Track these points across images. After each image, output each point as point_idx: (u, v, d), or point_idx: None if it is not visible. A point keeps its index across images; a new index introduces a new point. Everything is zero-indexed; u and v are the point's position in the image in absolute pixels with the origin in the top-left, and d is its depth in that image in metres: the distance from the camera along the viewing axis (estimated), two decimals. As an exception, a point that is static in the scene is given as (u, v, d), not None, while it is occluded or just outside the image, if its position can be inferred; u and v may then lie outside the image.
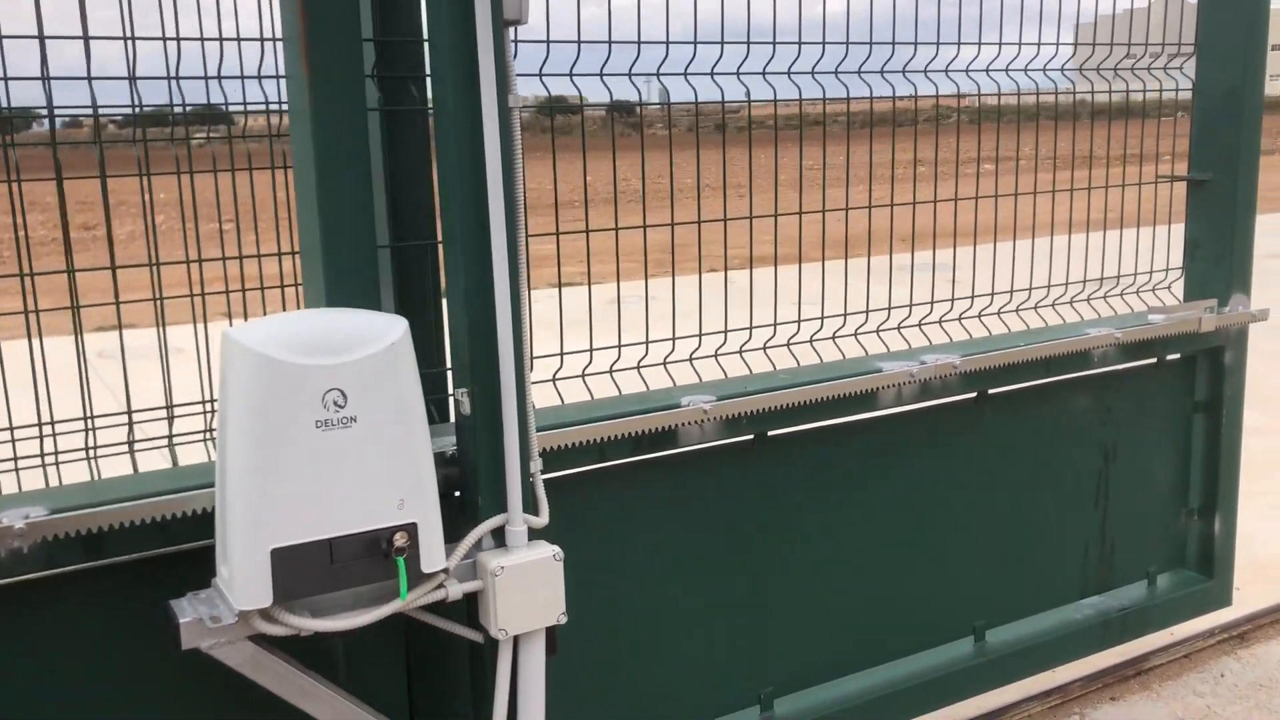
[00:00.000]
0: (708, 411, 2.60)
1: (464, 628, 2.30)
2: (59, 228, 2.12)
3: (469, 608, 2.27)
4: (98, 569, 2.11)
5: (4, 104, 2.04)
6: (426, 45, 2.25)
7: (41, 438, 2.22)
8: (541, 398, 2.48)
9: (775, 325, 2.94)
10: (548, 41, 2.44)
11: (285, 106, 2.25)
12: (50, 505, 2.03)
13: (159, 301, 2.26)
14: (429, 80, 2.29)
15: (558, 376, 2.61)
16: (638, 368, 2.72)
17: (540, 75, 2.41)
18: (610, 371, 2.69)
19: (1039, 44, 3.21)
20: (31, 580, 2.06)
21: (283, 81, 2.20)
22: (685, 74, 2.67)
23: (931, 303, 3.20)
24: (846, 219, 3.04)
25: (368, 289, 2.10)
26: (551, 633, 2.29)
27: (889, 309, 3.12)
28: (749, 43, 2.73)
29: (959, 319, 3.25)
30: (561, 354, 2.62)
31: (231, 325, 2.01)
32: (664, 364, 2.77)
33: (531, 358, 2.33)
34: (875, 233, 3.09)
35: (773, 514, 2.92)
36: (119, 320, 2.26)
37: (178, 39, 2.14)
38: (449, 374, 2.39)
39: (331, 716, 2.17)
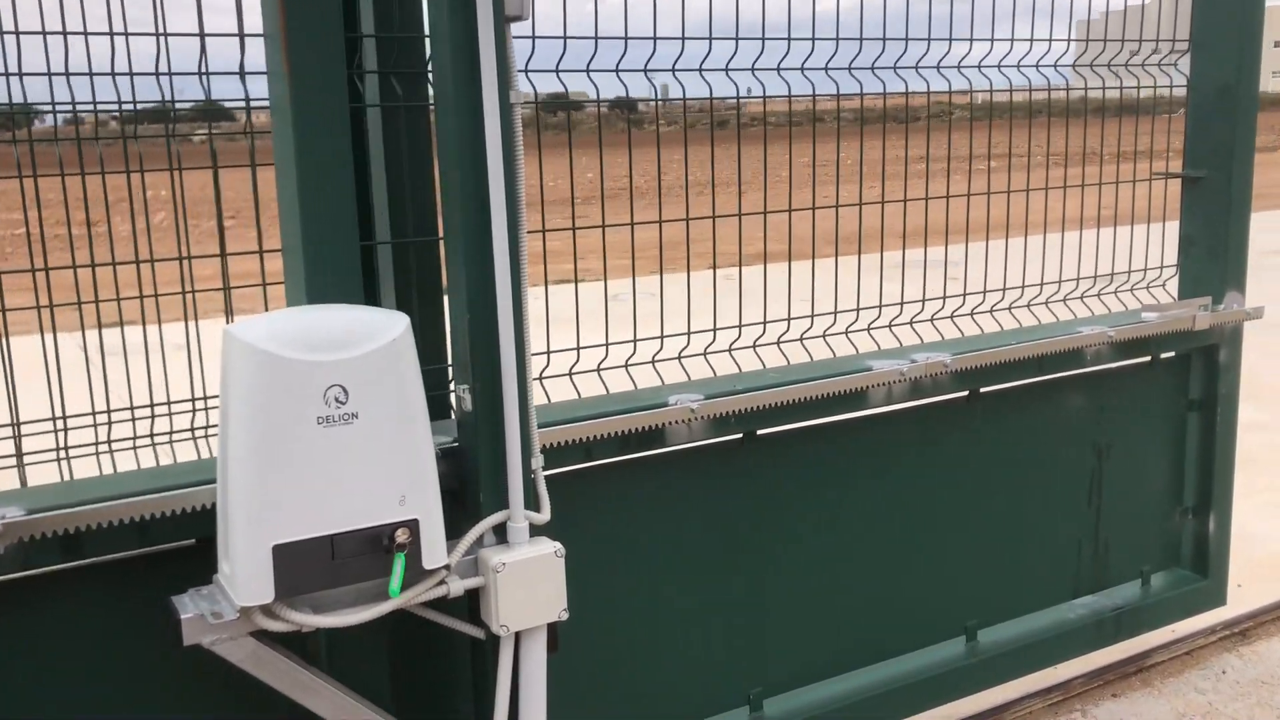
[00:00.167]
0: (695, 410, 2.63)
1: (465, 624, 2.35)
2: (59, 224, 2.13)
3: (470, 604, 2.33)
4: (82, 568, 2.13)
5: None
6: (428, 41, 2.29)
7: (17, 438, 2.23)
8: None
9: (765, 324, 2.95)
10: (533, 37, 2.48)
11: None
12: (26, 506, 2.06)
13: (150, 298, 2.29)
14: (430, 76, 2.34)
15: (544, 375, 2.63)
16: (625, 366, 2.74)
17: (527, 70, 2.43)
18: (598, 370, 2.71)
19: (1027, 40, 3.24)
20: (23, 579, 2.11)
21: None
22: (673, 69, 2.70)
23: (923, 300, 3.22)
24: (836, 216, 3.06)
25: (350, 286, 2.13)
26: (553, 629, 2.34)
27: (880, 306, 3.14)
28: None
29: (951, 317, 3.28)
30: (548, 352, 2.64)
31: (231, 322, 2.04)
32: (652, 362, 2.80)
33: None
34: (869, 230, 3.10)
35: (762, 513, 2.95)
36: (119, 317, 2.29)
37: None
38: (450, 370, 2.45)
39: (333, 712, 2.22)
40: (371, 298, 2.58)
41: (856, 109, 3.05)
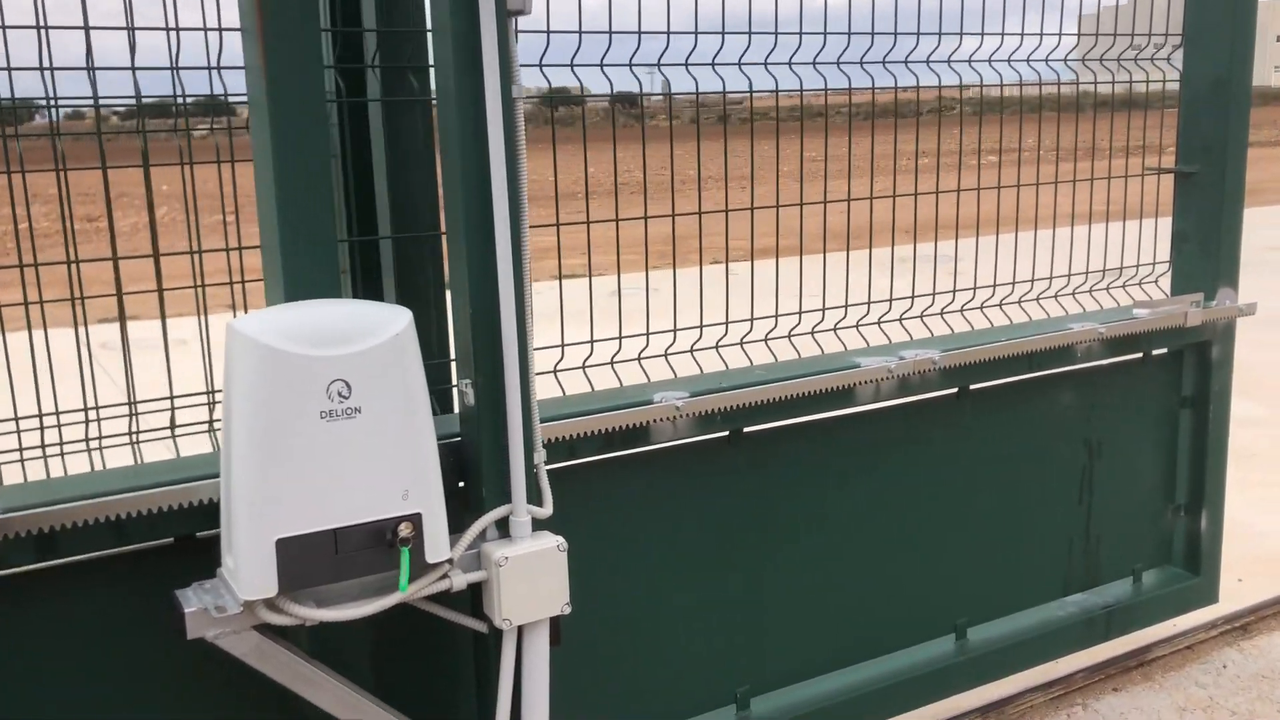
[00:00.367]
0: (680, 408, 2.66)
1: (468, 618, 2.42)
2: (61, 220, 2.16)
3: (473, 598, 2.39)
4: (64, 566, 2.15)
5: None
6: (430, 35, 2.34)
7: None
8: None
9: (752, 320, 2.97)
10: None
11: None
12: (3, 504, 2.11)
13: (152, 294, 2.30)
14: (432, 71, 2.40)
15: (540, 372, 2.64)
16: (611, 363, 2.76)
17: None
18: (583, 367, 2.73)
19: (1019, 34, 3.26)
20: (9, 576, 2.15)
21: None
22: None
23: (912, 297, 3.24)
24: (825, 212, 3.10)
25: (328, 283, 2.17)
26: (555, 623, 2.41)
27: (868, 303, 3.16)
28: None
29: (941, 313, 3.30)
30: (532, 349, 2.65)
31: (236, 316, 2.09)
32: (638, 359, 2.82)
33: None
34: (861, 226, 3.12)
35: (751, 512, 2.99)
36: (121, 312, 2.30)
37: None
38: (452, 365, 2.51)
39: (336, 706, 2.29)
40: (374, 292, 2.66)
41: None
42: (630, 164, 2.82)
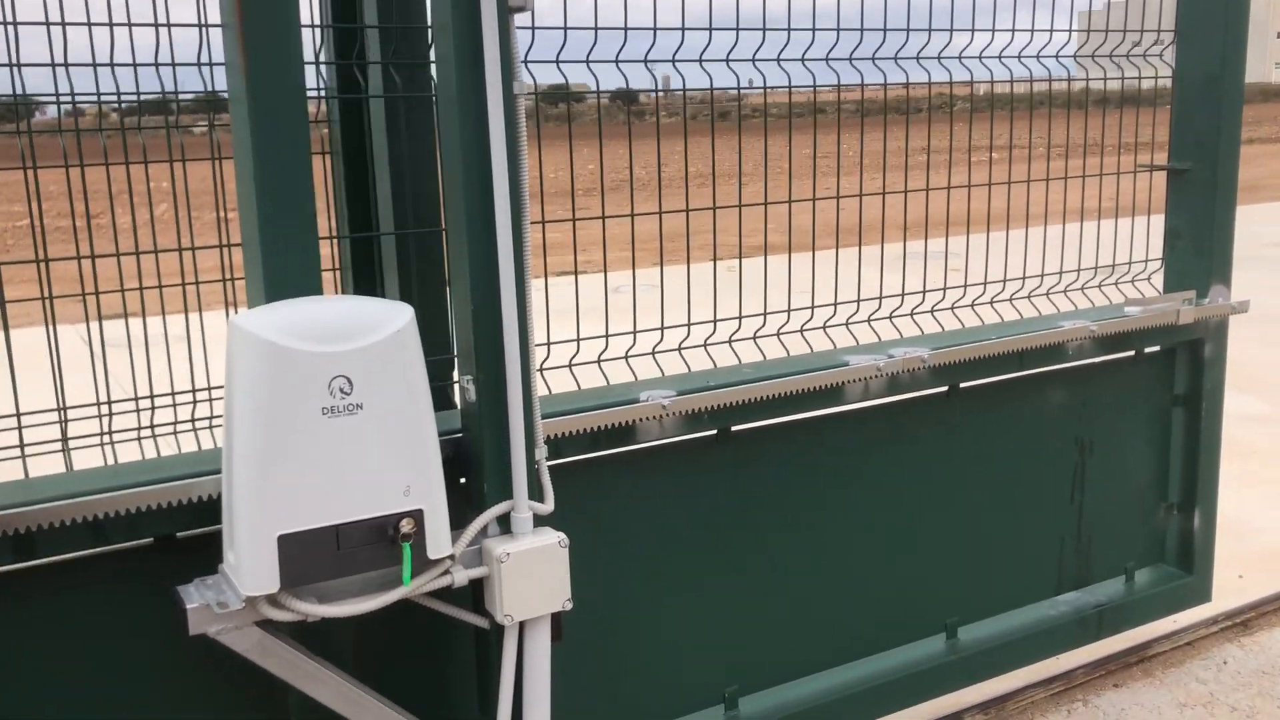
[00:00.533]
0: (666, 407, 2.67)
1: (470, 614, 2.46)
2: (61, 216, 2.18)
3: (475, 594, 2.43)
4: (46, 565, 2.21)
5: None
6: (430, 32, 2.39)
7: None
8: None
9: (740, 319, 2.98)
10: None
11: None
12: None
13: (145, 291, 2.32)
14: (433, 67, 2.44)
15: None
16: (598, 362, 2.78)
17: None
18: (569, 366, 2.74)
19: (1009, 30, 3.26)
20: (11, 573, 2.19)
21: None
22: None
23: (902, 295, 3.25)
24: (814, 210, 3.10)
25: (309, 280, 2.18)
26: (557, 619, 2.45)
27: (858, 301, 3.18)
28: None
29: (931, 311, 3.32)
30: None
31: (231, 313, 2.14)
32: (625, 358, 2.83)
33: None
34: (853, 224, 3.14)
35: (738, 511, 3.01)
36: (124, 308, 2.32)
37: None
38: (454, 361, 2.56)
39: (338, 702, 2.33)
40: (375, 289, 2.71)
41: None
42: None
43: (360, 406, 2.06)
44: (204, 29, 2.29)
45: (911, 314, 3.33)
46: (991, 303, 3.50)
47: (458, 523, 2.30)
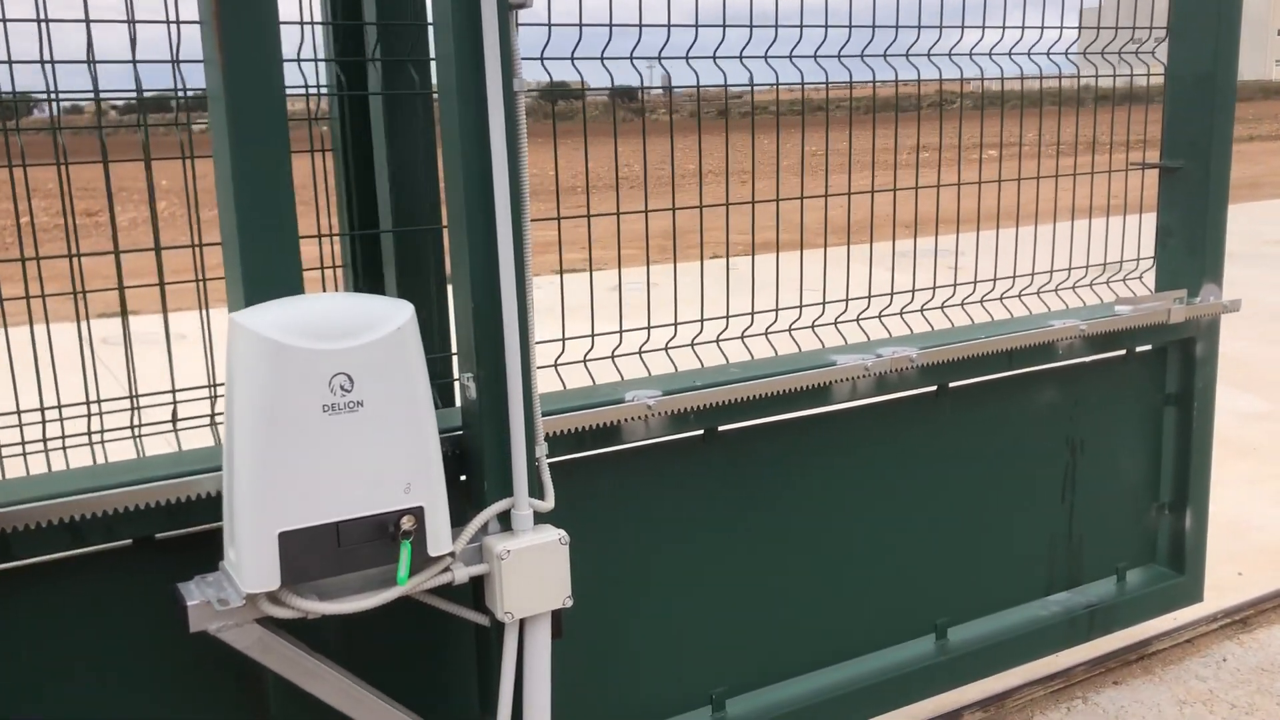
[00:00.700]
0: (652, 407, 2.68)
1: (470, 611, 2.49)
2: (61, 214, 2.21)
3: (475, 591, 2.46)
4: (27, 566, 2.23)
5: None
6: (431, 29, 2.41)
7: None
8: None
9: (728, 318, 2.99)
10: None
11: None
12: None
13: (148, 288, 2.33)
14: (433, 64, 2.47)
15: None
16: (584, 361, 2.78)
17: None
18: (555, 365, 2.75)
19: (999, 27, 3.27)
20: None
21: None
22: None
23: (891, 294, 3.26)
24: (802, 209, 3.11)
25: (289, 280, 2.19)
26: (557, 616, 2.48)
27: (846, 300, 3.18)
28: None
29: (921, 310, 3.32)
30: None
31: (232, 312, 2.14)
32: (611, 357, 2.84)
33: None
34: (843, 223, 3.15)
35: (725, 512, 3.04)
36: (123, 307, 2.34)
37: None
38: (454, 358, 2.59)
39: (338, 699, 2.36)
40: (375, 286, 2.74)
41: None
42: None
43: (361, 404, 2.09)
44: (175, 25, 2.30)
45: (901, 313, 3.35)
46: (982, 301, 3.52)
47: (458, 520, 2.33)
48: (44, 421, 2.38)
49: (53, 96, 2.24)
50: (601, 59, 2.65)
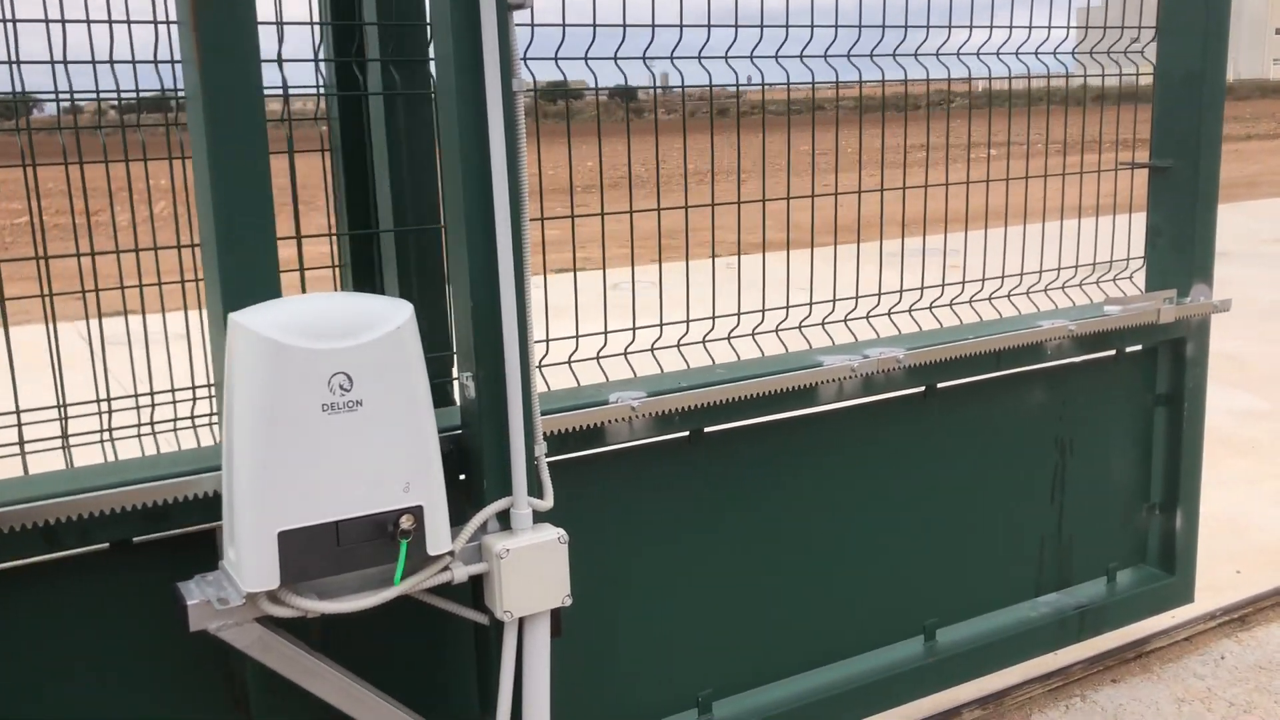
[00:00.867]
0: (636, 409, 2.69)
1: (469, 610, 2.52)
2: (60, 214, 2.23)
3: (474, 590, 2.49)
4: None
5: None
6: (429, 28, 2.45)
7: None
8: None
9: (714, 319, 3.00)
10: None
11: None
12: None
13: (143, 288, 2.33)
14: (431, 64, 2.51)
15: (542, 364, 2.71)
16: (568, 362, 2.79)
17: (525, 58, 2.59)
18: (539, 367, 2.76)
19: (987, 26, 3.28)
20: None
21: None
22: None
23: (879, 294, 3.27)
24: (789, 209, 3.12)
25: (267, 282, 2.20)
26: (556, 615, 2.51)
27: (834, 301, 3.20)
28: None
29: (909, 310, 3.33)
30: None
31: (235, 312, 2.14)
32: (597, 358, 2.86)
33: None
34: (830, 222, 3.16)
35: (711, 513, 3.06)
36: (123, 306, 2.35)
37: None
38: (453, 358, 2.62)
39: (338, 698, 2.39)
40: (375, 285, 2.78)
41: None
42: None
43: (360, 403, 2.11)
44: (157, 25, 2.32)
45: (889, 313, 3.36)
46: (970, 302, 3.53)
47: (457, 519, 2.36)
48: (20, 425, 2.40)
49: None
50: (585, 59, 2.68)
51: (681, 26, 2.82)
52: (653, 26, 2.76)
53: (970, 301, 3.53)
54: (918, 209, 3.38)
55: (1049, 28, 3.53)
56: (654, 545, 3.02)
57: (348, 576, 2.22)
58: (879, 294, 3.35)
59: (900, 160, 3.40)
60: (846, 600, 3.39)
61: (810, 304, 3.23)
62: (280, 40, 2.45)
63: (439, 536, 2.24)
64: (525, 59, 2.51)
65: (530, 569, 2.41)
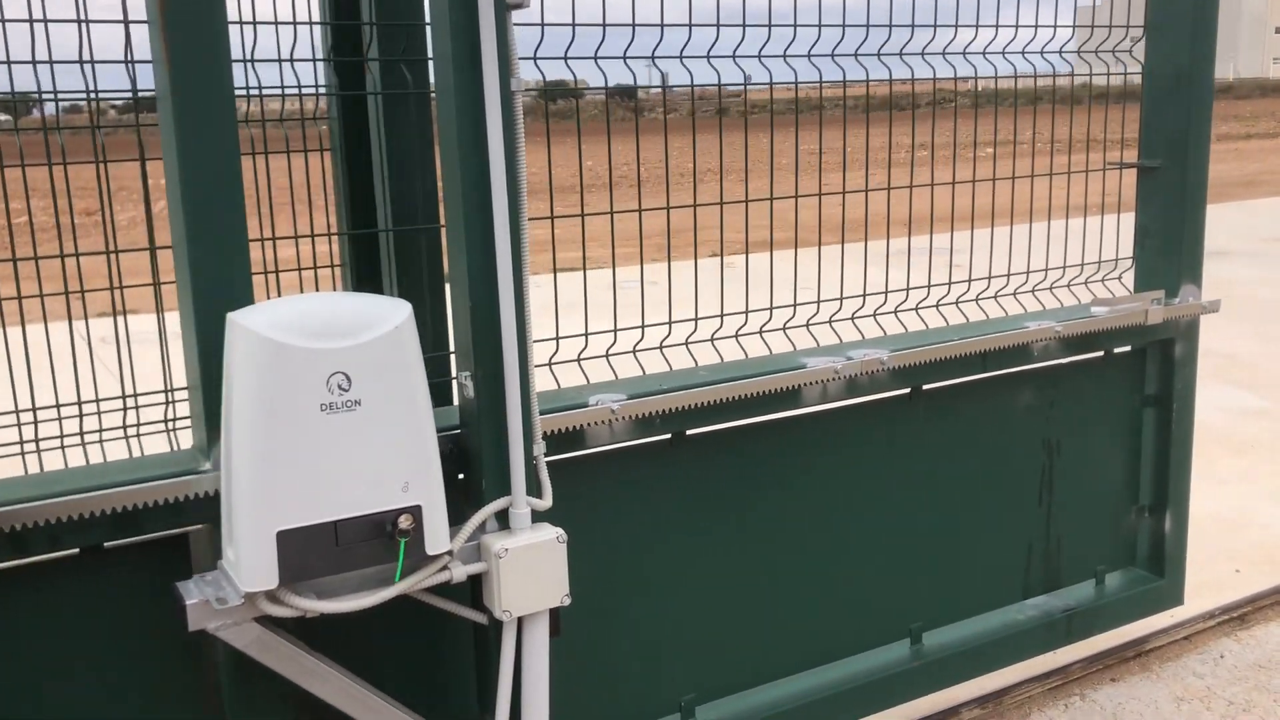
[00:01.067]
0: (616, 411, 2.69)
1: (468, 609, 2.55)
2: (60, 213, 2.23)
3: (473, 589, 2.52)
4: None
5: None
6: (429, 28, 2.46)
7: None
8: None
9: (696, 320, 3.01)
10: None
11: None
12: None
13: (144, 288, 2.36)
14: (430, 64, 2.54)
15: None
16: (549, 364, 2.80)
17: (566, 59, 2.59)
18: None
19: (973, 25, 3.28)
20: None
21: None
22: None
23: (864, 295, 3.27)
24: (772, 210, 3.11)
25: (239, 286, 2.19)
26: (555, 614, 2.54)
27: (818, 302, 3.20)
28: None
29: (894, 311, 3.34)
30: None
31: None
32: (578, 360, 2.86)
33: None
34: (827, 222, 3.17)
35: (695, 516, 3.08)
36: (124, 306, 2.36)
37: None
38: (452, 357, 2.64)
39: (337, 697, 2.41)
40: (374, 285, 2.80)
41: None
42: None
43: (359, 403, 2.13)
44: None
45: (874, 315, 3.36)
46: (957, 303, 3.53)
47: (456, 519, 2.38)
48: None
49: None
50: (564, 58, 2.68)
51: (662, 26, 2.83)
52: (633, 26, 2.77)
53: (957, 302, 3.53)
54: (907, 211, 3.38)
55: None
56: (637, 549, 3.03)
57: (347, 576, 2.24)
58: (864, 295, 3.35)
59: (891, 160, 3.40)
60: (832, 603, 3.40)
61: (794, 305, 3.23)
62: (280, 39, 2.46)
63: (438, 536, 2.26)
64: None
65: (529, 568, 2.44)
